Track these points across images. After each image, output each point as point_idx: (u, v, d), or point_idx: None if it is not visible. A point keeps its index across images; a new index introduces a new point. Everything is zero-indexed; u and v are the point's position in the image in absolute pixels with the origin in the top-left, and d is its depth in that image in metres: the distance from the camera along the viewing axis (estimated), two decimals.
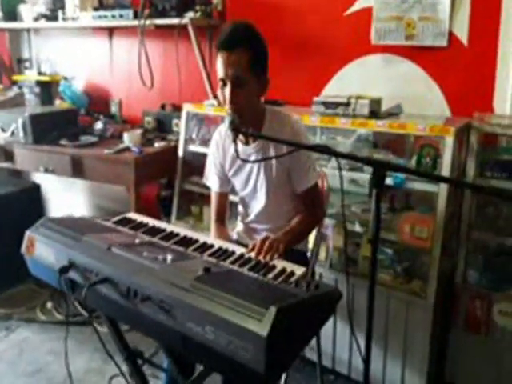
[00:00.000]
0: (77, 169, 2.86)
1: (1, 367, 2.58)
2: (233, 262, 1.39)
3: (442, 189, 1.90)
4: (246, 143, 1.79)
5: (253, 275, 1.29)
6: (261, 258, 1.41)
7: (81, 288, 1.39)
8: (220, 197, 1.95)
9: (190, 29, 2.73)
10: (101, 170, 2.78)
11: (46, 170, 2.99)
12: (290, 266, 1.37)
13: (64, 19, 3.26)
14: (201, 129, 2.83)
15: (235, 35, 1.59)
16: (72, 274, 1.44)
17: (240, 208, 1.99)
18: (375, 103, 2.19)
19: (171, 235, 1.62)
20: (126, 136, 2.89)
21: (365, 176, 2.13)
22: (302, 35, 2.71)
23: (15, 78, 3.91)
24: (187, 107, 2.80)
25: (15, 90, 3.77)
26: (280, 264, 1.38)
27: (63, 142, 2.96)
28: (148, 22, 2.80)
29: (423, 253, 2.08)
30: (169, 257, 1.34)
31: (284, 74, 2.72)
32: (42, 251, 1.54)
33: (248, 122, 1.63)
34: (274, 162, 1.76)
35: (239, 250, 1.50)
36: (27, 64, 4.04)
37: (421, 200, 2.15)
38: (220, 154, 1.88)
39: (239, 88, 1.60)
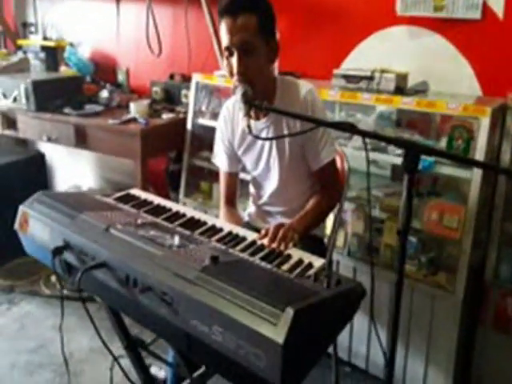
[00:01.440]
0: (80, 139, 2.73)
1: (1, 343, 2.50)
2: (243, 250, 1.26)
3: (476, 175, 1.74)
4: (257, 118, 1.64)
5: (265, 266, 1.16)
6: (274, 246, 1.28)
7: (77, 271, 1.29)
8: (229, 177, 1.81)
9: None
10: (105, 140, 2.65)
11: (49, 139, 2.87)
12: (307, 257, 1.23)
13: None
14: (211, 101, 2.66)
15: None
16: (67, 256, 1.33)
17: (252, 189, 1.85)
18: (401, 78, 2.02)
19: (177, 216, 1.50)
20: (132, 106, 2.74)
21: (387, 157, 1.97)
22: (320, 2, 2.51)
23: (20, 42, 3.76)
24: (197, 77, 2.63)
25: (20, 55, 3.62)
26: (296, 254, 1.25)
27: (67, 110, 2.82)
28: None
29: (450, 243, 1.94)
30: (172, 241, 1.22)
31: (300, 44, 2.54)
32: (36, 229, 1.43)
33: (259, 93, 1.45)
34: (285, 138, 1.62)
35: (251, 235, 1.36)
36: (32, 29, 3.88)
37: (448, 186, 1.99)
38: (228, 131, 1.73)
39: (248, 56, 1.45)
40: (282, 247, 1.28)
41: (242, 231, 1.41)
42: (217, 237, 1.35)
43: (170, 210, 1.54)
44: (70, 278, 1.35)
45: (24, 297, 2.89)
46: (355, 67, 2.26)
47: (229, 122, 1.72)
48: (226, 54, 1.49)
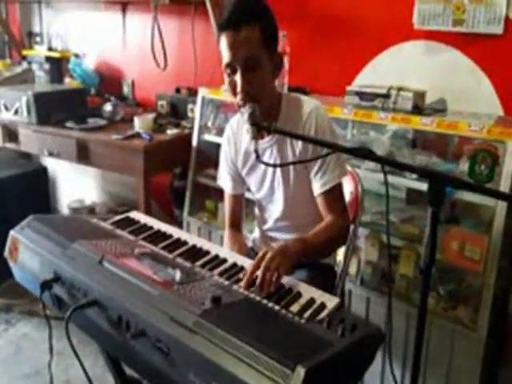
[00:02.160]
0: (82, 154, 2.63)
1: None
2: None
3: (501, 203, 1.61)
4: (261, 136, 1.53)
5: (272, 307, 1.04)
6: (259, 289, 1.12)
7: (67, 306, 1.18)
8: (234, 199, 1.70)
9: (208, 4, 2.46)
10: (108, 156, 2.55)
11: (51, 154, 2.78)
12: (319, 296, 1.12)
13: None
14: (217, 116, 2.56)
15: (241, 10, 1.33)
16: (57, 289, 1.22)
17: (257, 212, 1.74)
18: (419, 97, 1.90)
19: (177, 244, 1.39)
20: (136, 121, 2.65)
21: (403, 180, 1.84)
22: (332, 14, 2.41)
23: (25, 52, 3.70)
24: (203, 92, 2.53)
25: (24, 65, 3.55)
26: (307, 292, 1.13)
27: (69, 124, 2.73)
28: None
29: (471, 273, 1.81)
30: (171, 277, 1.11)
31: (311, 57, 2.44)
32: (26, 258, 1.33)
33: (263, 111, 1.35)
34: (290, 156, 1.50)
35: None
36: (38, 39, 3.82)
37: (468, 211, 1.86)
38: (232, 151, 1.63)
39: (251, 71, 1.35)
40: (264, 289, 1.11)
41: (247, 262, 1.29)
42: (220, 269, 1.24)
43: (170, 236, 1.44)
44: (61, 311, 1.25)
45: (22, 317, 2.79)
46: (368, 83, 2.16)
47: (232, 142, 1.62)
48: (227, 71, 1.38)
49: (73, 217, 1.55)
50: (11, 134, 2.98)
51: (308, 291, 1.14)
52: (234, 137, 1.61)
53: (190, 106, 2.79)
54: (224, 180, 1.69)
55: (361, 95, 1.97)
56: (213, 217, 2.60)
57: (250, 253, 1.74)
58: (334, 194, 1.48)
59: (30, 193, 3.31)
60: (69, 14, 3.56)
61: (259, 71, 1.36)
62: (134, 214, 1.61)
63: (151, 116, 2.72)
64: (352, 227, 1.62)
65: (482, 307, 1.71)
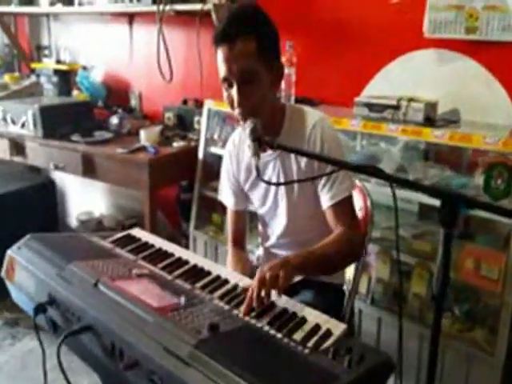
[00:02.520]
0: (88, 168, 2.61)
1: (0, 381, 2.36)
2: None
3: None
4: (263, 149, 1.48)
5: (274, 336, 0.97)
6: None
7: (62, 330, 1.14)
8: (237, 215, 1.64)
9: (213, 15, 2.42)
10: (113, 170, 2.52)
11: (57, 167, 2.76)
12: (324, 321, 1.05)
13: (80, 4, 3.01)
14: (223, 129, 2.51)
15: (234, 23, 1.28)
16: (52, 313, 1.17)
17: (260, 228, 1.68)
18: (431, 108, 1.83)
19: (178, 263, 1.33)
20: (142, 134, 2.61)
21: (415, 195, 1.76)
22: (340, 22, 2.35)
23: (33, 65, 3.70)
24: (209, 104, 2.49)
25: (32, 78, 3.55)
26: (312, 317, 1.07)
27: (75, 137, 2.71)
28: (168, 7, 2.51)
29: (489, 294, 1.72)
30: (168, 302, 1.05)
31: (319, 68, 2.38)
32: (22, 278, 1.29)
33: (264, 123, 1.30)
34: (294, 169, 1.43)
35: None
36: (47, 51, 3.83)
37: (482, 227, 1.77)
38: (233, 165, 1.57)
39: (248, 85, 1.29)
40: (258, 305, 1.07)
41: (249, 283, 1.23)
42: (220, 292, 1.18)
43: (171, 255, 1.39)
44: (56, 335, 1.20)
45: (28, 332, 2.74)
46: (378, 94, 2.09)
47: (234, 156, 1.57)
48: (224, 85, 1.34)
49: (72, 235, 1.51)
50: (18, 148, 2.97)
51: (313, 316, 1.08)
52: (236, 151, 1.56)
53: (196, 118, 2.75)
54: (225, 195, 1.64)
55: (370, 106, 1.91)
56: (219, 231, 2.55)
57: (255, 271, 1.68)
58: (343, 207, 1.40)
59: (38, 206, 3.29)
60: (76, 27, 3.56)
61: (256, 84, 1.30)
62: (136, 232, 1.57)
63: (157, 129, 2.68)
64: None
65: (501, 329, 1.62)
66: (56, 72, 3.49)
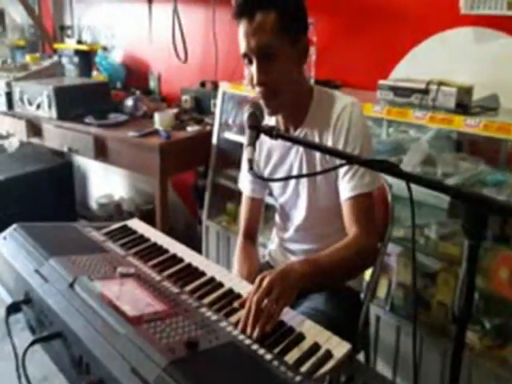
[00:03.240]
0: (100, 151, 2.52)
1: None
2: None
3: None
4: (286, 130, 1.34)
5: (262, 357, 0.84)
6: (248, 331, 0.92)
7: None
8: (252, 204, 1.52)
9: None
10: (124, 154, 2.42)
11: (70, 150, 2.69)
12: (325, 340, 0.91)
13: None
14: (238, 113, 2.36)
15: None
16: (27, 313, 1.07)
17: (277, 219, 1.54)
18: (464, 93, 1.63)
19: (172, 261, 1.22)
20: (156, 117, 2.50)
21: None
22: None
23: (56, 46, 3.64)
24: (224, 86, 2.34)
25: (53, 59, 3.49)
26: (312, 333, 0.93)
27: (88, 119, 2.62)
28: None
29: None
30: (147, 309, 0.93)
31: (342, 47, 2.20)
32: (4, 272, 1.19)
33: (288, 104, 1.26)
34: (317, 157, 1.31)
35: None
36: (69, 32, 3.77)
37: None
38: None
39: (268, 61, 1.19)
40: (255, 332, 0.90)
41: (247, 288, 1.10)
42: (211, 297, 1.05)
43: (165, 252, 1.27)
44: (35, 334, 1.10)
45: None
46: (407, 77, 1.90)
47: None
48: (245, 62, 1.24)
49: (64, 225, 1.41)
50: (36, 129, 2.92)
51: (313, 332, 0.94)
52: None
53: (213, 102, 2.61)
54: (243, 180, 1.53)
55: (395, 90, 1.72)
56: (233, 221, 2.42)
57: (264, 268, 1.56)
58: (361, 204, 1.26)
59: (54, 189, 3.25)
60: (98, 7, 3.47)
61: (277, 61, 1.20)
62: (133, 223, 1.46)
63: (172, 112, 2.56)
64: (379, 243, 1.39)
65: None
66: (77, 52, 3.42)
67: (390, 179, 1.32)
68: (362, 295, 1.42)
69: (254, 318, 0.92)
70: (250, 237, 1.53)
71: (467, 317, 0.78)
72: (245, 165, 1.50)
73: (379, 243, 1.38)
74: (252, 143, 1.02)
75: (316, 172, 1.24)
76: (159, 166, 2.26)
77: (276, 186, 1.45)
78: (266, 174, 1.44)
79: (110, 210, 3.60)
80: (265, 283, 0.98)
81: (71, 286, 1.01)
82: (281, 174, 1.40)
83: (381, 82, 1.79)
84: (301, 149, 1.33)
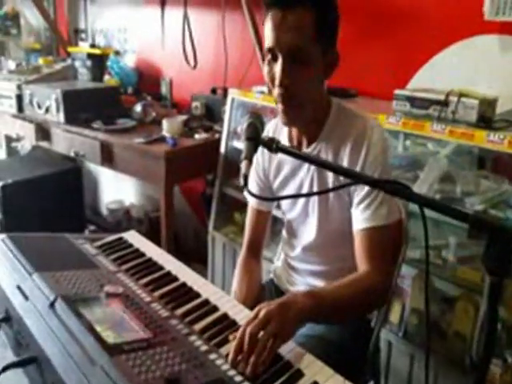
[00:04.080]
0: (106, 157, 2.47)
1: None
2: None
3: None
4: (298, 144, 1.25)
5: None
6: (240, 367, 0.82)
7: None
8: (258, 216, 1.42)
9: None
10: (129, 161, 2.36)
11: (77, 155, 2.64)
12: (325, 379, 0.81)
13: None
14: None
15: None
16: (7, 332, 1.00)
17: (284, 234, 1.44)
18: (487, 105, 1.51)
19: (165, 279, 1.14)
20: (164, 123, 2.43)
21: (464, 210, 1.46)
22: (384, 3, 2.07)
23: (70, 49, 3.62)
24: (233, 93, 2.26)
25: (66, 62, 3.46)
26: (311, 369, 0.83)
27: (96, 124, 2.57)
28: None
29: None
30: (129, 336, 0.84)
31: (358, 54, 2.11)
32: None
33: (306, 116, 1.16)
34: (330, 177, 1.21)
35: None
36: (83, 35, 3.74)
37: None
38: (265, 158, 1.36)
39: (296, 64, 1.07)
40: (248, 369, 0.81)
41: (243, 313, 1.01)
42: (203, 323, 0.96)
43: (160, 269, 1.19)
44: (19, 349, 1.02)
45: None
46: (426, 86, 1.79)
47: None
48: (268, 57, 1.12)
49: (56, 236, 1.34)
50: (44, 132, 2.89)
51: (313, 369, 0.84)
52: None
53: (223, 109, 2.53)
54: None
55: (412, 101, 1.61)
56: (240, 233, 2.33)
57: (269, 287, 1.46)
58: (375, 238, 1.14)
59: (63, 193, 3.20)
60: (111, 11, 3.44)
61: (306, 67, 1.09)
62: (130, 235, 1.38)
63: (180, 119, 2.49)
64: None
65: None
66: (90, 56, 3.38)
67: None
68: (373, 322, 1.31)
69: (247, 351, 0.82)
70: (254, 251, 1.44)
71: (487, 364, 0.68)
72: (253, 172, 1.40)
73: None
74: (249, 157, 0.93)
75: (322, 190, 1.13)
76: (164, 173, 2.19)
77: (285, 200, 1.35)
78: (275, 185, 1.34)
79: (120, 216, 3.55)
80: (261, 315, 0.88)
81: (52, 305, 0.93)
82: (291, 187, 1.30)
83: (397, 91, 1.68)
84: (312, 166, 1.23)
